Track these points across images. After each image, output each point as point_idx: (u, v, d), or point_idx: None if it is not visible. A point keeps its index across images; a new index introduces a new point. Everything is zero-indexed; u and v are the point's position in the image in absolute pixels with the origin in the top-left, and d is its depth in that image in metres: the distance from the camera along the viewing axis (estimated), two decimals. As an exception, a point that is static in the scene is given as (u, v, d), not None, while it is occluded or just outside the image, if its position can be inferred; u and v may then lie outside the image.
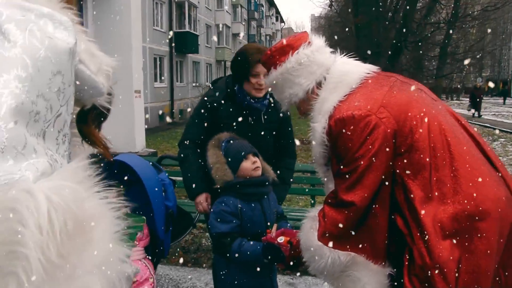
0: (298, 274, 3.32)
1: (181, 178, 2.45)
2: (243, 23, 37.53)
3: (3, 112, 0.83)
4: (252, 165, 2.01)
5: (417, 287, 1.37)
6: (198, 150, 2.32)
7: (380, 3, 14.49)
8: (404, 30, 13.48)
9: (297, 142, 2.52)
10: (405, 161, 1.41)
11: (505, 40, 47.50)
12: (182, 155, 2.40)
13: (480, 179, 1.36)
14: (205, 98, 2.39)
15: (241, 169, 2.01)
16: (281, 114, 2.39)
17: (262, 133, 2.33)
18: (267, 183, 2.07)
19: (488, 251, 1.33)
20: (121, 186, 1.59)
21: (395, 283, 1.48)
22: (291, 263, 1.78)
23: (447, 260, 1.32)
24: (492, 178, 1.40)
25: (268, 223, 2.02)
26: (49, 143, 0.95)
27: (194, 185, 2.31)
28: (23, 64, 0.89)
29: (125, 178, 2.05)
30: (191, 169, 2.34)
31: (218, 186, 2.01)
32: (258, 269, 1.93)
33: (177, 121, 19.64)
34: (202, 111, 2.37)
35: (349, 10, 15.87)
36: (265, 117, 2.38)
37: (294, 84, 1.61)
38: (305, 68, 1.59)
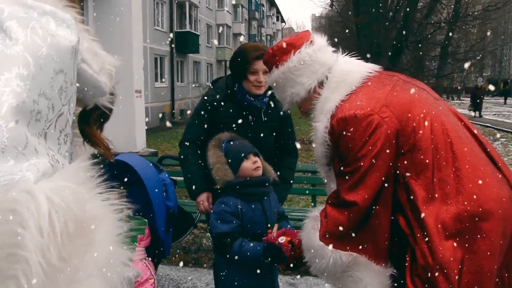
0: (298, 276, 3.31)
1: (182, 178, 2.45)
2: (244, 23, 37.52)
3: (4, 111, 0.81)
4: (253, 165, 2.00)
5: (419, 287, 1.36)
6: (199, 151, 2.31)
7: (381, 3, 14.49)
8: (405, 30, 13.45)
9: (298, 146, 2.51)
10: (407, 161, 1.40)
11: (506, 40, 47.39)
12: (182, 156, 2.39)
13: (482, 179, 1.35)
14: (205, 98, 2.38)
15: (241, 169, 2.00)
16: (281, 113, 2.38)
17: (262, 134, 2.32)
18: (267, 183, 2.06)
19: (491, 252, 1.32)
20: (121, 187, 1.58)
21: (397, 284, 1.47)
22: (292, 264, 1.78)
23: (450, 261, 1.31)
24: (494, 178, 1.40)
25: (269, 224, 2.02)
26: (51, 143, 0.94)
27: (194, 185, 2.31)
28: (25, 62, 0.87)
29: (125, 179, 2.05)
30: (191, 169, 2.34)
31: (219, 187, 2.01)
32: (259, 270, 1.93)
33: (177, 121, 19.63)
34: (202, 112, 2.36)
35: (350, 10, 15.86)
36: (266, 116, 2.38)
37: (296, 83, 1.60)
38: (307, 67, 1.58)
